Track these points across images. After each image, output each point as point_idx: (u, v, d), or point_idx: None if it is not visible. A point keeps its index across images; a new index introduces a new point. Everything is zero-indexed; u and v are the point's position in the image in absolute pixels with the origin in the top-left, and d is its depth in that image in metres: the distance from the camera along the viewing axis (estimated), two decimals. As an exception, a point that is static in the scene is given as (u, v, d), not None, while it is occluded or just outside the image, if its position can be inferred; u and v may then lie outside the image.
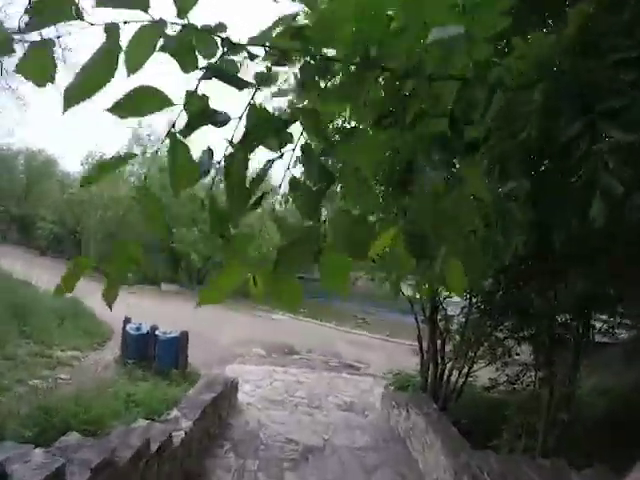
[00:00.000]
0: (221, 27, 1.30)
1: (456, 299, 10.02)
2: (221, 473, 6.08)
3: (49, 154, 40.48)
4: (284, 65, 1.46)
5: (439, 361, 8.92)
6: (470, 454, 5.65)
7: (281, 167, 1.52)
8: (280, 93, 1.54)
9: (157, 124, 32.83)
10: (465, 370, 8.71)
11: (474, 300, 8.24)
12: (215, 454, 6.47)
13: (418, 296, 10.43)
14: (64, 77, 1.23)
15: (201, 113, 1.40)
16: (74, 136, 45.64)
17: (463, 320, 8.62)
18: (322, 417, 9.66)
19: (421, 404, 7.73)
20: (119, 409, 7.01)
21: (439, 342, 9.03)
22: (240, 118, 1.40)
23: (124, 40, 1.15)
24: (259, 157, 1.51)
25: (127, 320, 11.93)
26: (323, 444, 7.52)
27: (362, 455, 7.21)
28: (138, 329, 11.56)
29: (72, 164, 41.10)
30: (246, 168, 1.51)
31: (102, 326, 14.77)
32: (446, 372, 8.92)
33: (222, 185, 1.55)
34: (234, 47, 1.33)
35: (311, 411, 10.21)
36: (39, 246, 33.95)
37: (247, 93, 1.43)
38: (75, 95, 1.15)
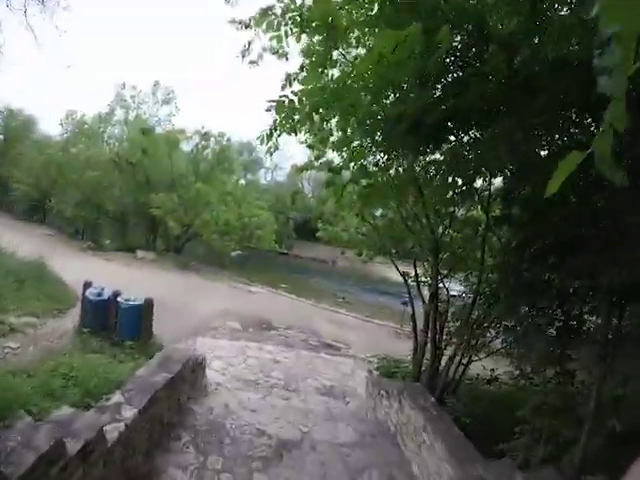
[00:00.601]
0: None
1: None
2: (175, 472, 4.79)
3: (28, 114, 38.26)
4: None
5: (437, 347, 7.73)
6: (485, 466, 4.47)
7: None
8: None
9: (142, 85, 30.80)
10: (465, 359, 7.54)
11: (482, 278, 7.03)
12: (169, 448, 5.16)
13: (414, 273, 9.30)
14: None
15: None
16: (53, 97, 43.35)
17: (469, 302, 7.42)
18: (299, 403, 8.44)
19: (416, 396, 6.53)
20: (53, 388, 5.64)
21: (438, 325, 7.83)
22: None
23: None
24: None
25: (87, 284, 10.47)
26: (300, 437, 6.26)
27: (346, 453, 5.98)
28: (99, 295, 10.11)
29: (51, 125, 39.10)
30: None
31: (67, 291, 13.32)
32: (443, 360, 7.76)
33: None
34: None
35: (287, 394, 8.98)
36: (13, 208, 32.09)
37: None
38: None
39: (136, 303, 9.69)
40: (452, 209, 7.53)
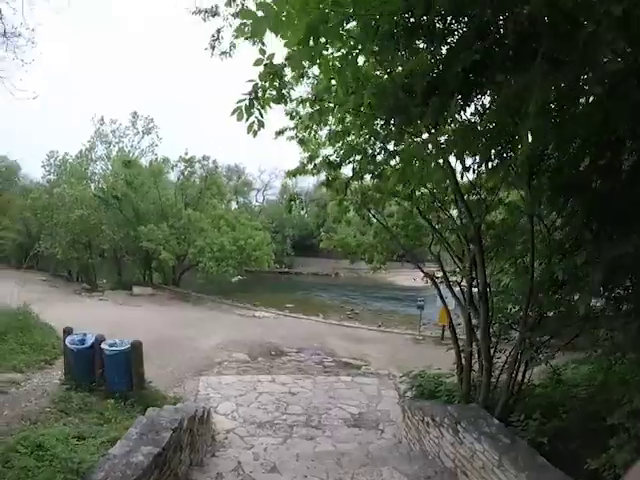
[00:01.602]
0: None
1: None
2: None
3: (12, 160, 37.15)
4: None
5: (490, 356, 6.20)
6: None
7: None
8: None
9: (122, 119, 29.45)
10: (523, 364, 6.01)
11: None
12: None
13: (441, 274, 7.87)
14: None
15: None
16: (32, 142, 42.10)
17: (521, 295, 5.93)
18: (327, 442, 6.95)
19: (477, 421, 5.06)
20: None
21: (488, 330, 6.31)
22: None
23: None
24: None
25: (67, 331, 8.91)
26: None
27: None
28: (82, 342, 8.54)
29: (35, 168, 37.91)
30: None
31: (56, 340, 11.76)
32: (496, 369, 6.27)
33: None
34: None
35: (311, 433, 7.46)
36: (4, 257, 30.69)
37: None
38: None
39: (122, 348, 8.16)
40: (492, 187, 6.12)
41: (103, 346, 8.19)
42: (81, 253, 26.79)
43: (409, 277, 34.61)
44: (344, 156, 7.29)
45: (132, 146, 28.80)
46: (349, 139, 7.27)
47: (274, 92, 3.85)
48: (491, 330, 6.35)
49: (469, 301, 6.52)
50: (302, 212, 53.00)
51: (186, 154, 27.55)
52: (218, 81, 74.18)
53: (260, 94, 3.72)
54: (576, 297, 4.86)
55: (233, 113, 3.82)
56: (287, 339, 15.08)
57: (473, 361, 6.60)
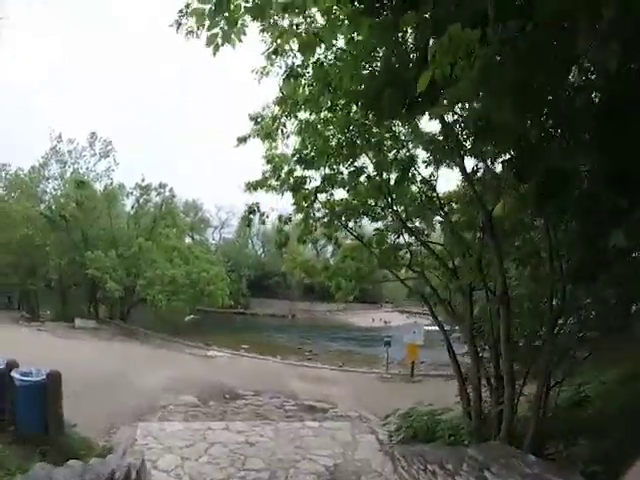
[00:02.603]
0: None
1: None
2: None
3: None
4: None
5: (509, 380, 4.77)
6: None
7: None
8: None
9: (80, 139, 27.09)
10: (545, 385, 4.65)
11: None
12: None
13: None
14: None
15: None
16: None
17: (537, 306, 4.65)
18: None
19: (509, 462, 3.64)
20: None
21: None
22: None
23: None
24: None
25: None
26: None
27: None
28: (-14, 367, 6.57)
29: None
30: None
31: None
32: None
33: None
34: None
35: (277, 496, 5.74)
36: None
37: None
38: None
39: (36, 379, 6.24)
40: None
41: (14, 374, 6.25)
42: (22, 278, 24.23)
43: (366, 318, 33.45)
44: (318, 152, 6.09)
45: (87, 168, 26.49)
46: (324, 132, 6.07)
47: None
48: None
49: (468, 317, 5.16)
50: (260, 246, 51.30)
51: (142, 180, 25.66)
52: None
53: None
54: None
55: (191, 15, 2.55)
56: (242, 380, 13.15)
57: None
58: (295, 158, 6.59)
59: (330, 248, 20.36)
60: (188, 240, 33.19)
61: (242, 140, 7.10)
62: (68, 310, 24.02)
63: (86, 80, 73.25)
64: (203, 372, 14.22)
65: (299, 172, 6.83)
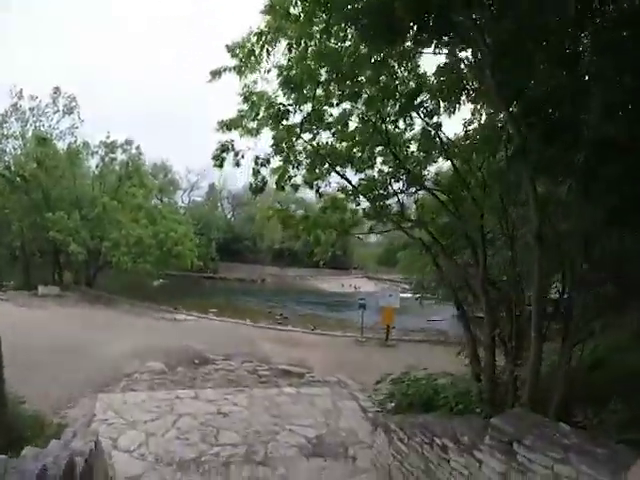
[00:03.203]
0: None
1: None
2: None
3: None
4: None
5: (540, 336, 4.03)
6: None
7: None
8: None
9: (43, 96, 24.65)
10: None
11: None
12: None
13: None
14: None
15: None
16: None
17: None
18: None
19: (543, 432, 2.98)
20: None
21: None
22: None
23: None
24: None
25: None
26: None
27: None
28: None
29: None
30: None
31: None
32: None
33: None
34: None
35: (258, 474, 4.98)
36: None
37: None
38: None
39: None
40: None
41: None
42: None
43: (336, 283, 32.90)
44: (307, 76, 5.13)
45: (50, 126, 24.07)
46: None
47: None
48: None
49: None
50: (230, 209, 49.73)
51: (107, 137, 23.61)
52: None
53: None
54: None
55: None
56: (212, 345, 12.29)
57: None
58: (280, 79, 5.55)
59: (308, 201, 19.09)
60: (157, 202, 31.24)
61: (216, 74, 6.01)
62: (32, 278, 22.19)
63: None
64: (170, 337, 13.30)
65: (282, 99, 5.82)
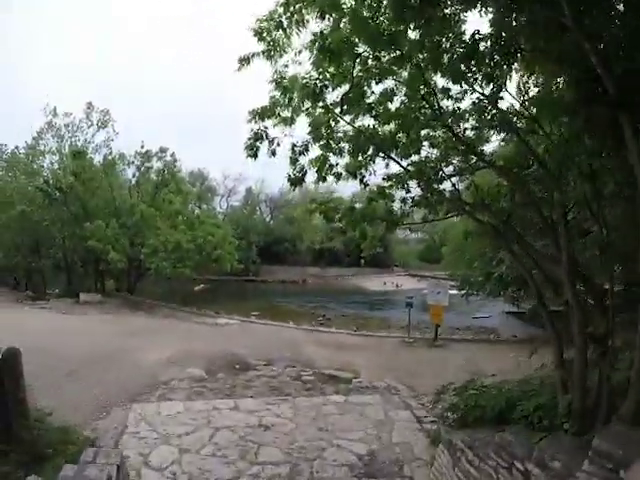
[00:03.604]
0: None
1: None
2: None
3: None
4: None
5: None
6: None
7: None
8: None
9: (76, 112, 25.01)
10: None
11: None
12: None
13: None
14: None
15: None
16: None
17: None
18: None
19: None
20: None
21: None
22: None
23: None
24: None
25: None
26: None
27: None
28: None
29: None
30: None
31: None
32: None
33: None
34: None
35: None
36: None
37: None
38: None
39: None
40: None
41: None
42: (24, 257, 22.94)
43: (377, 282, 31.89)
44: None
45: (86, 140, 24.59)
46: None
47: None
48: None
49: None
50: (268, 212, 49.54)
51: (142, 147, 23.65)
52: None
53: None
54: None
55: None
56: (254, 349, 11.75)
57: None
58: (316, 46, 4.84)
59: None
60: (195, 209, 31.19)
61: (245, 61, 5.38)
62: (75, 287, 22.55)
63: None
64: (211, 341, 12.85)
65: (316, 76, 5.10)
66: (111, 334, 13.09)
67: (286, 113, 5.83)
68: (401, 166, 5.72)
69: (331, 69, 5.05)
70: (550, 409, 3.84)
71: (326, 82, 5.13)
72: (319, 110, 5.50)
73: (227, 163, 63.07)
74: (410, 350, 12.81)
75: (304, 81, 5.19)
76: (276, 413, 6.65)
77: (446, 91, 5.01)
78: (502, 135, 5.22)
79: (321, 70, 5.05)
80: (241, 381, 8.85)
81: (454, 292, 15.57)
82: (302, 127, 5.93)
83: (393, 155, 6.01)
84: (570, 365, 3.96)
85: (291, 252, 45.47)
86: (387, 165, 6.19)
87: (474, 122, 5.16)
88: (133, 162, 24.16)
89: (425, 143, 5.88)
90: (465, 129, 5.49)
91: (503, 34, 4.19)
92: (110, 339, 12.13)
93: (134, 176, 24.49)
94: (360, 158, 6.01)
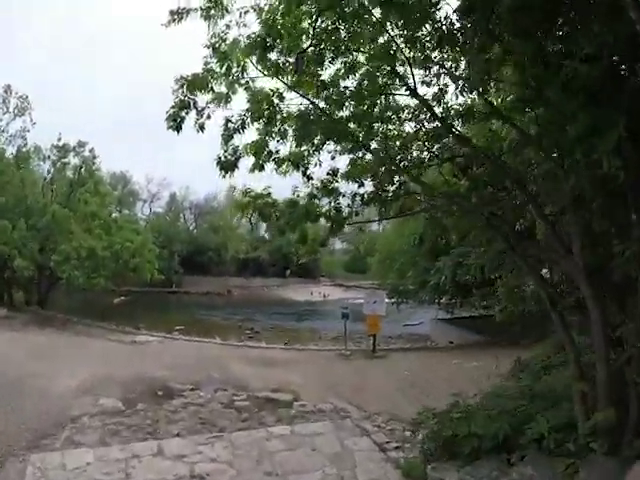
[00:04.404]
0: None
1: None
2: None
3: None
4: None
5: None
6: None
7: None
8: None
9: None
10: None
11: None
12: None
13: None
14: None
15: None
16: None
17: None
18: None
19: None
20: None
21: None
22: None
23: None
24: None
25: None
26: None
27: None
28: None
29: None
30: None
31: None
32: None
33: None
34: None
35: None
36: None
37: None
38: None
39: None
40: None
41: None
42: None
43: (304, 292, 31.20)
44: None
45: None
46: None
47: None
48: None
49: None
50: (192, 220, 47.25)
51: (59, 140, 21.01)
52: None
53: None
54: None
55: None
56: (179, 370, 10.21)
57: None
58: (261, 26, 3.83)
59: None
60: (115, 214, 28.35)
61: (177, 15, 4.24)
62: (-17, 300, 19.37)
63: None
64: (130, 363, 11.09)
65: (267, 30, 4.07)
66: (14, 356, 10.88)
67: (222, 88, 4.74)
68: (366, 149, 4.84)
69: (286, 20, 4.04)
70: (566, 428, 3.11)
71: (277, 39, 4.13)
72: (265, 75, 4.47)
73: (151, 166, 59.86)
74: (349, 363, 11.98)
75: (250, 39, 4.16)
76: (210, 457, 5.37)
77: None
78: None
79: (272, 24, 4.02)
80: (165, 412, 7.40)
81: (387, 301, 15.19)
82: (240, 105, 4.88)
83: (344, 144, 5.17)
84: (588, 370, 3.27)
85: (215, 262, 43.46)
86: (333, 158, 5.33)
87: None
88: (49, 156, 21.42)
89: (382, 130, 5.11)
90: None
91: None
92: (12, 363, 9.97)
93: (49, 172, 21.67)
94: (304, 146, 5.07)
